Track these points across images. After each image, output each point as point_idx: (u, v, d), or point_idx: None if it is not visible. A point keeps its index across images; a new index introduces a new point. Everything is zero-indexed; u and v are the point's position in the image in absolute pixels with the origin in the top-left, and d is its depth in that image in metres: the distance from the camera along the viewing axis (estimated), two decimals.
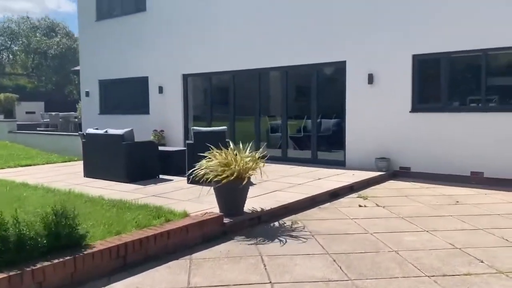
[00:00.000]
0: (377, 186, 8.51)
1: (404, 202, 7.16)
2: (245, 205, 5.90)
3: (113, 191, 7.40)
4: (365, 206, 6.84)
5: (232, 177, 5.39)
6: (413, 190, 8.14)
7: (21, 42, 28.48)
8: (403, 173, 9.53)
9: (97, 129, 9.30)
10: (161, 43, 13.84)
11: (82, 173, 9.08)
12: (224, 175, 5.40)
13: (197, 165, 5.79)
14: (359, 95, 10.10)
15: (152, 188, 7.60)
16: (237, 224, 5.46)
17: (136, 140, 8.59)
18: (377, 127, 9.87)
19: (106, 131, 8.66)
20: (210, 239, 5.06)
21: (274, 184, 7.93)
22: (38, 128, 18.10)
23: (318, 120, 11.26)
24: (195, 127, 8.17)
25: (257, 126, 12.05)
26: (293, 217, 6.20)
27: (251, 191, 6.37)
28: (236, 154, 5.77)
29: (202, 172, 5.55)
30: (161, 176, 8.69)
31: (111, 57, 15.35)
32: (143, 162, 8.44)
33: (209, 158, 5.76)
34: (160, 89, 13.90)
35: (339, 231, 5.49)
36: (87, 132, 9.04)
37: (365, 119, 10.05)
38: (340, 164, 10.43)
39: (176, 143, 13.56)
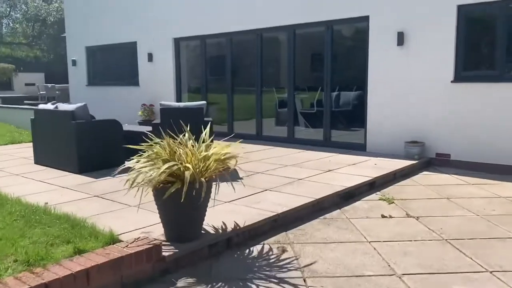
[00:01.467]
0: (407, 181, 6.41)
1: (447, 209, 5.06)
2: (213, 216, 3.96)
3: (52, 187, 5.56)
4: (390, 216, 4.78)
5: (182, 183, 3.41)
6: (456, 188, 6.02)
7: (19, 8, 26.76)
8: (440, 162, 7.37)
9: (54, 104, 7.39)
10: (149, 2, 11.75)
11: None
12: (163, 179, 3.43)
13: (128, 164, 3.84)
14: (385, 60, 7.89)
15: (102, 184, 5.70)
16: (187, 257, 3.51)
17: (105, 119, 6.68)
18: (408, 102, 7.68)
19: (56, 107, 6.75)
20: (135, 286, 3.14)
21: (267, 179, 5.93)
22: (25, 101, 16.42)
23: (335, 93, 9.10)
24: (163, 102, 6.19)
25: (259, 100, 9.97)
26: (283, 235, 4.22)
27: (233, 189, 4.40)
28: (191, 146, 3.78)
29: (133, 177, 3.57)
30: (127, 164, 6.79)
31: (98, 20, 13.35)
32: (101, 146, 6.53)
33: (142, 153, 3.78)
34: (150, 57, 11.88)
35: (349, 269, 3.48)
36: (36, 108, 7.16)
37: (392, 91, 7.86)
38: (360, 148, 8.32)
39: None
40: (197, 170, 3.53)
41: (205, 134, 3.98)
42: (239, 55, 10.66)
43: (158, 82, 11.83)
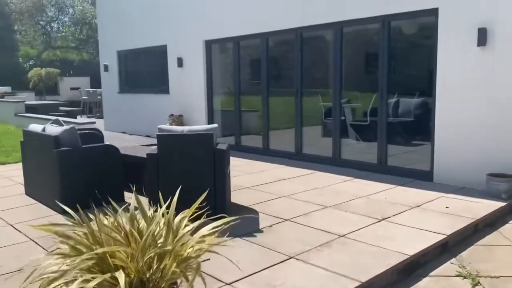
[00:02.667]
0: (494, 237, 4.59)
1: None
2: None
3: (9, 239, 4.30)
4: None
5: None
6: None
7: (67, 12, 26.77)
8: None
9: (56, 122, 6.22)
10: (180, 2, 10.48)
11: None
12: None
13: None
14: (460, 61, 6.05)
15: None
16: None
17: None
18: (492, 116, 5.81)
19: (44, 129, 5.56)
20: None
21: (296, 233, 4.35)
22: (60, 108, 15.76)
23: (393, 100, 7.34)
24: (161, 126, 4.77)
25: (299, 108, 8.36)
26: None
27: (240, 253, 2.89)
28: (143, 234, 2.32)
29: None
30: (127, 197, 5.49)
31: (129, 22, 12.31)
32: (94, 179, 5.25)
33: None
34: (179, 62, 10.61)
35: None
36: (25, 129, 6.02)
37: (469, 101, 6.01)
38: (424, 176, 6.53)
39: None
40: (145, 277, 2.05)
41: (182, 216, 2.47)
42: (277, 57, 9.12)
43: (188, 89, 10.54)
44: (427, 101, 6.73)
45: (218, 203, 4.66)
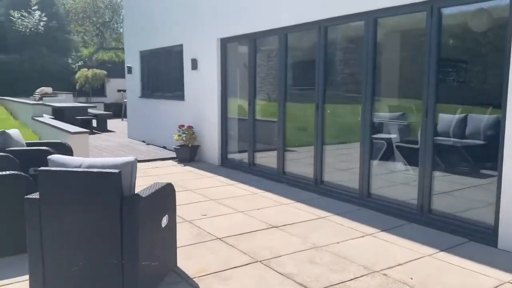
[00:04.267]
0: None
1: None
2: None
3: None
4: None
5: None
6: None
7: (120, 13, 26.45)
8: None
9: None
10: None
11: None
12: None
13: None
14: None
15: None
16: None
17: None
18: None
19: None
20: None
21: None
22: (89, 111, 14.87)
23: (458, 116, 5.29)
24: (53, 156, 3.16)
25: (319, 119, 6.44)
26: None
27: None
28: None
29: None
30: None
31: (151, 21, 11.02)
32: None
33: None
34: (194, 63, 9.07)
35: None
36: None
37: None
38: (483, 235, 4.39)
39: (210, 147, 8.72)
40: None
41: None
42: (297, 56, 7.27)
43: (202, 95, 8.97)
44: (497, 121, 4.58)
45: (127, 285, 2.97)
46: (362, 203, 5.67)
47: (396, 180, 6.02)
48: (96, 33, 28.05)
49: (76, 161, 3.12)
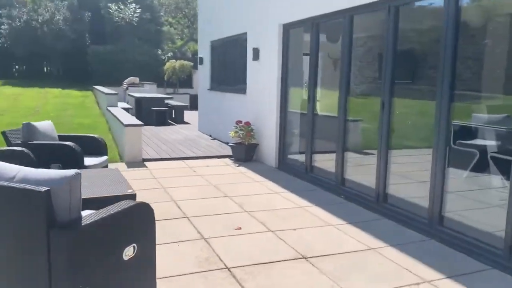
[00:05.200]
0: None
1: None
2: None
3: None
4: None
5: None
6: None
7: None
8: None
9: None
10: None
11: None
12: None
13: None
14: None
15: None
16: None
17: None
18: None
19: None
20: None
21: None
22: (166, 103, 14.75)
23: None
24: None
25: (384, 117, 5.23)
26: None
27: None
28: None
29: None
30: None
31: (220, 8, 10.40)
32: None
33: None
34: (255, 53, 8.23)
35: None
36: None
37: None
38: None
39: (268, 147, 7.85)
40: None
41: None
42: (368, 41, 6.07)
43: (261, 88, 8.11)
44: None
45: None
46: (430, 232, 4.41)
47: (487, 200, 4.64)
48: (187, 25, 28.49)
49: (11, 171, 2.44)
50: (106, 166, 5.65)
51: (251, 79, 8.60)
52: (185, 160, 8.01)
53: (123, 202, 2.70)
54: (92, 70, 24.54)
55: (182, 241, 4.07)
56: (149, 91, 17.75)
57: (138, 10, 25.89)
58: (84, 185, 2.72)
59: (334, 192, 5.93)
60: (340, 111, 5.96)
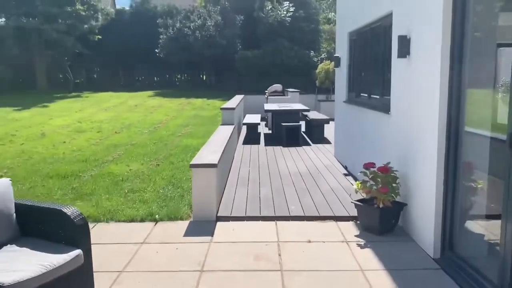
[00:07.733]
0: None
1: None
2: None
3: None
4: None
5: None
6: None
7: None
8: None
9: None
10: None
11: None
12: None
13: None
14: None
15: None
16: None
17: None
18: None
19: None
20: None
21: None
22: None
23: None
24: None
25: None
26: None
27: None
28: None
29: None
30: None
31: None
32: None
33: None
34: (404, 46, 4.74)
35: None
36: None
37: None
38: None
39: (423, 211, 4.34)
40: None
41: None
42: None
43: (412, 106, 4.62)
44: None
45: None
46: None
47: None
48: None
49: None
50: (81, 267, 3.04)
51: (397, 88, 5.14)
52: (279, 222, 5.04)
53: None
54: (240, 77, 23.14)
55: None
56: (290, 101, 15.08)
57: (292, 9, 23.52)
58: None
59: None
60: None
